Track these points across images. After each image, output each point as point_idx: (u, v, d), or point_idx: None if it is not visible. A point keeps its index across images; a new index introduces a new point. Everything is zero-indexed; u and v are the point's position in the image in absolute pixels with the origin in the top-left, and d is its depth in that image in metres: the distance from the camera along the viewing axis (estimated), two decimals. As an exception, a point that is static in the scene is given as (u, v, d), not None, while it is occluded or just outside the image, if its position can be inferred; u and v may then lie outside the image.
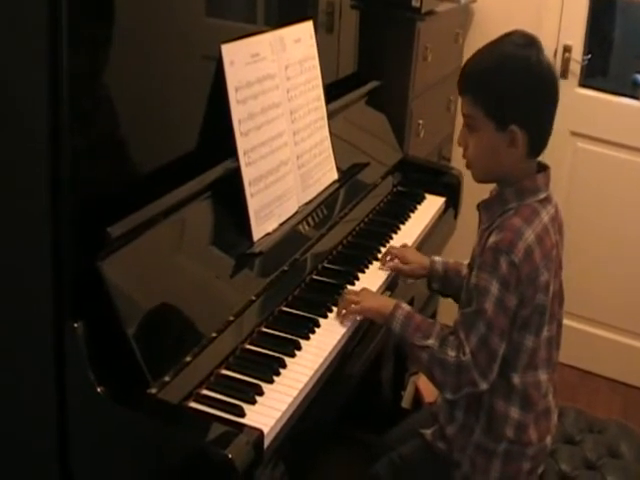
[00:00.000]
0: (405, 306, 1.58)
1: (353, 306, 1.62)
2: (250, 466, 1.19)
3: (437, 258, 1.85)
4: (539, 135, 1.50)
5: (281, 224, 1.75)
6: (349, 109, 2.25)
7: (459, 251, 1.98)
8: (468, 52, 1.60)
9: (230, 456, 1.16)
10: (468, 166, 1.55)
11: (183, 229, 1.49)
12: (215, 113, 1.61)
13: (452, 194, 2.40)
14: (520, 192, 1.51)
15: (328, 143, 2.03)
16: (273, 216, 1.73)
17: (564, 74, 2.95)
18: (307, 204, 1.88)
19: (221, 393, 1.35)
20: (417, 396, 2.54)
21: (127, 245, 1.33)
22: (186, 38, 1.54)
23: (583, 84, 3.01)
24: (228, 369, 1.42)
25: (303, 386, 1.42)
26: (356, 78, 2.37)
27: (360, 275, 1.83)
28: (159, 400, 1.26)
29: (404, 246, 1.97)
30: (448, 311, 2.31)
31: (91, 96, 1.31)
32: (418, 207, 2.29)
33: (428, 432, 1.66)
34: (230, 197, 1.61)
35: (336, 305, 1.66)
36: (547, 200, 1.53)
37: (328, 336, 1.58)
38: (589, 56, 2.99)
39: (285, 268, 1.69)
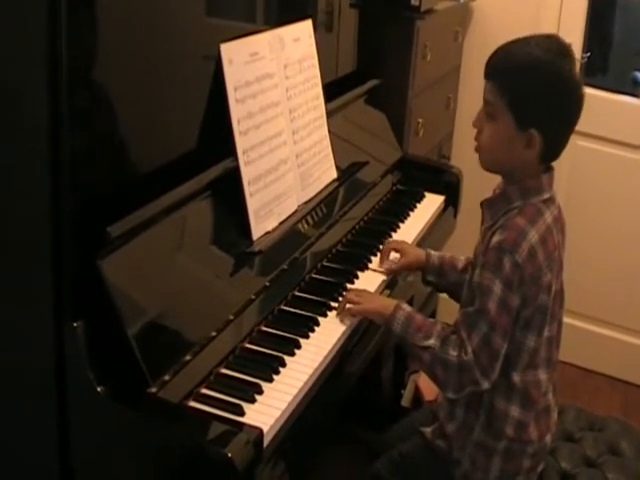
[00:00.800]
0: (406, 307, 1.58)
1: (354, 307, 1.62)
2: (250, 465, 1.19)
3: (433, 252, 1.85)
4: (555, 146, 1.50)
5: (280, 223, 1.75)
6: (348, 108, 2.25)
7: (458, 249, 1.98)
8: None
9: (230, 455, 1.16)
10: (477, 150, 1.54)
11: (183, 228, 1.50)
12: (214, 112, 1.61)
13: (452, 193, 2.39)
14: (524, 191, 1.51)
15: (327, 142, 2.03)
16: (272, 215, 1.73)
17: (564, 72, 2.95)
18: (306, 203, 1.88)
19: (221, 392, 1.35)
20: (417, 394, 2.54)
21: (127, 244, 1.33)
22: (185, 37, 1.54)
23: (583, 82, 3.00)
24: (228, 368, 1.42)
25: (303, 385, 1.42)
26: (355, 77, 2.36)
27: (359, 274, 1.83)
28: (159, 399, 1.26)
29: (402, 243, 1.96)
30: (448, 310, 2.31)
31: (90, 96, 1.31)
32: (418, 205, 2.29)
33: (428, 430, 1.66)
34: (229, 196, 1.61)
35: (336, 303, 1.66)
36: (551, 200, 1.53)
37: (328, 335, 1.58)
38: (589, 54, 2.98)
39: (285, 267, 1.69)
